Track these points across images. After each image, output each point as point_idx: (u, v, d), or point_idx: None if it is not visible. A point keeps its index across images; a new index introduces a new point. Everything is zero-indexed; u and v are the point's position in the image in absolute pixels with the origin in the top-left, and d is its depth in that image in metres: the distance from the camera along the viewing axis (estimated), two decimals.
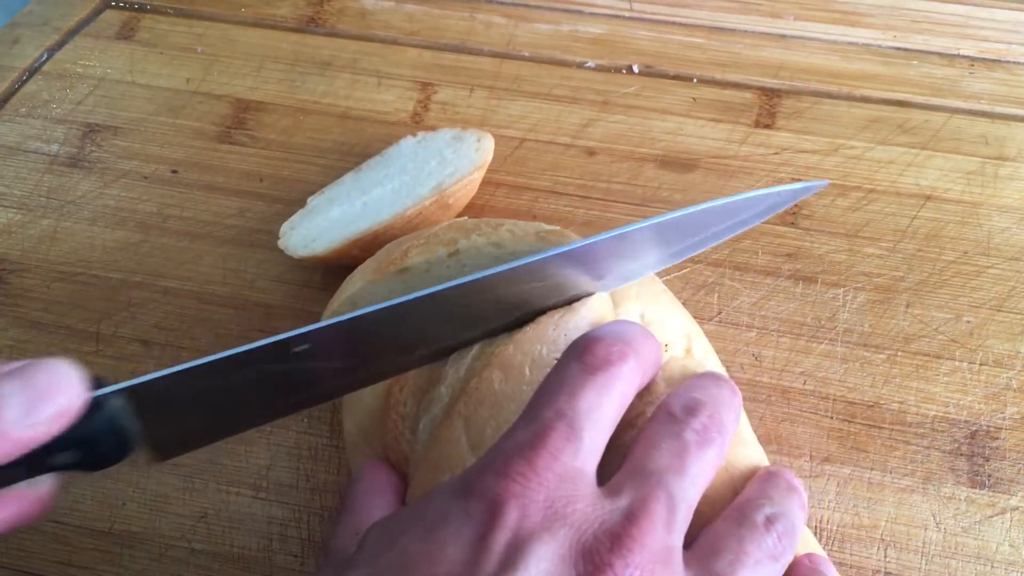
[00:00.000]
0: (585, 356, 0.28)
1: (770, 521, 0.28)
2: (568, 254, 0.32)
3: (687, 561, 0.27)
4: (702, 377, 0.31)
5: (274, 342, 0.29)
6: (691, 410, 0.29)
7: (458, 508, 0.25)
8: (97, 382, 0.27)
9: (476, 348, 0.33)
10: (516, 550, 0.24)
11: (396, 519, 0.27)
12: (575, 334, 0.32)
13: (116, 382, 0.27)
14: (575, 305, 0.33)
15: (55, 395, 0.25)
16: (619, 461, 0.28)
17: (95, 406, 0.26)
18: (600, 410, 0.27)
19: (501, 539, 0.24)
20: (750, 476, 0.31)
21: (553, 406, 0.27)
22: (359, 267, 0.39)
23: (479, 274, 0.31)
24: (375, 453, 0.35)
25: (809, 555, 0.31)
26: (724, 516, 0.29)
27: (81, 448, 0.26)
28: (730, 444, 0.30)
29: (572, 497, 0.25)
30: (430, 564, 0.24)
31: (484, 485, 0.25)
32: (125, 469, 0.40)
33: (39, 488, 0.27)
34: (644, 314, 0.35)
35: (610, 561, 0.24)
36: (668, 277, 0.45)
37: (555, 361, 0.30)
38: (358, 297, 0.36)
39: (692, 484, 0.27)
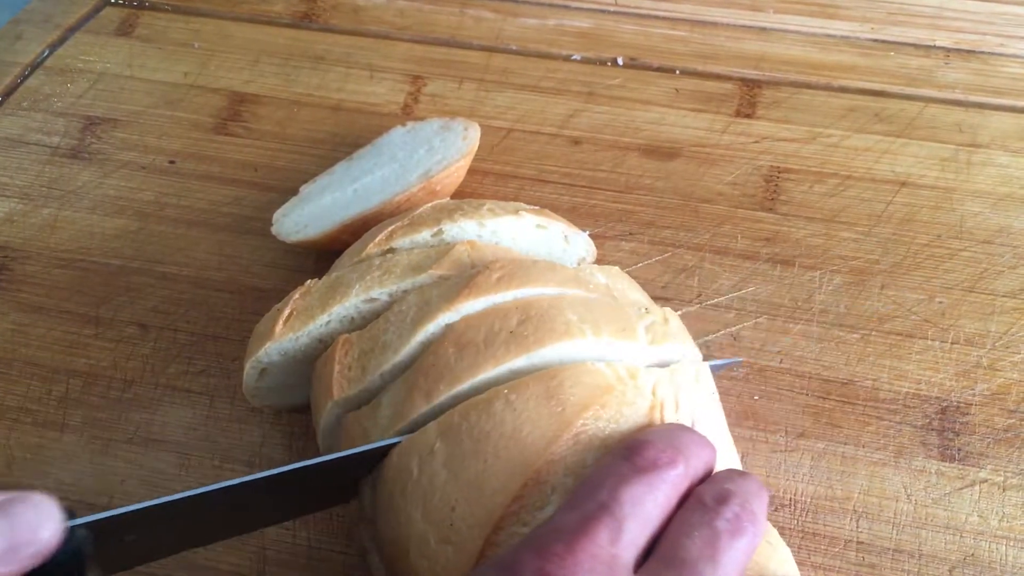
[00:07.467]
0: (634, 456, 0.28)
1: None
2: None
3: None
4: (729, 471, 0.31)
5: (236, 484, 0.30)
6: (722, 499, 0.28)
7: None
8: (69, 513, 0.27)
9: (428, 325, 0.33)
10: None
11: None
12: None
13: (75, 513, 0.27)
14: (528, 268, 0.34)
15: (37, 534, 0.25)
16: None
17: (64, 537, 0.27)
18: (643, 505, 0.27)
19: None
20: None
21: (596, 498, 0.27)
22: (347, 250, 0.40)
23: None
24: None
25: None
26: None
27: (40, 573, 0.26)
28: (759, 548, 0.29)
29: None
30: None
31: (521, 561, 0.26)
32: (123, 447, 0.41)
33: None
34: (610, 285, 0.35)
35: None
36: (649, 261, 0.46)
37: (510, 335, 0.32)
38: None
39: (724, 574, 0.27)
